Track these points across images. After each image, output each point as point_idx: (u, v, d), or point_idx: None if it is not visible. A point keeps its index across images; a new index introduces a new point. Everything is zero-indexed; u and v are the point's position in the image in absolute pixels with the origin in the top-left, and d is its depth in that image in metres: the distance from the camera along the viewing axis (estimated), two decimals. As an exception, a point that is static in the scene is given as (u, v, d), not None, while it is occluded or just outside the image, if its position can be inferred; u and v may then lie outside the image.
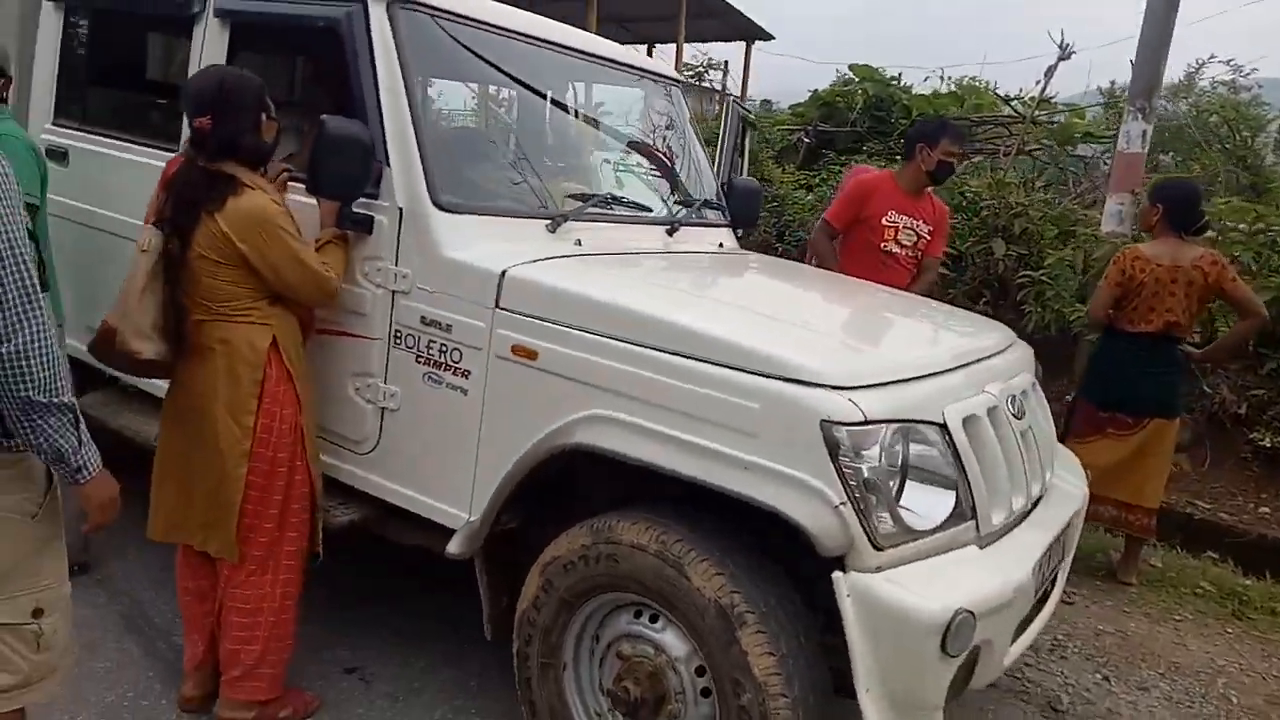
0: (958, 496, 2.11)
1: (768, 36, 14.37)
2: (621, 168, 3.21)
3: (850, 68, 10.64)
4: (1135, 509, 3.99)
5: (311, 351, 2.72)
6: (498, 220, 2.65)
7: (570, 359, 2.26)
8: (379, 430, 2.66)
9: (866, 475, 1.92)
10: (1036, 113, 8.83)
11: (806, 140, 10.20)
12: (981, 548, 2.16)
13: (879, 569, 1.93)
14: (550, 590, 2.26)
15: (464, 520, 2.45)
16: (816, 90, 10.83)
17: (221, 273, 2.31)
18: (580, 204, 2.86)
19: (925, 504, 2.05)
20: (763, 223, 8.38)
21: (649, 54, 15.00)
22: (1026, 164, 9.09)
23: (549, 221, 2.72)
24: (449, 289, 2.47)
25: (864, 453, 1.93)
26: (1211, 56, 12.74)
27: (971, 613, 1.90)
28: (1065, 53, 8.22)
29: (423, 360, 2.54)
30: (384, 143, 2.51)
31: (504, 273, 2.38)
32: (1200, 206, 3.93)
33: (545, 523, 2.42)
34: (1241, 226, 5.68)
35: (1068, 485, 2.78)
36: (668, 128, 3.75)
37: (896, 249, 4.10)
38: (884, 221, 4.08)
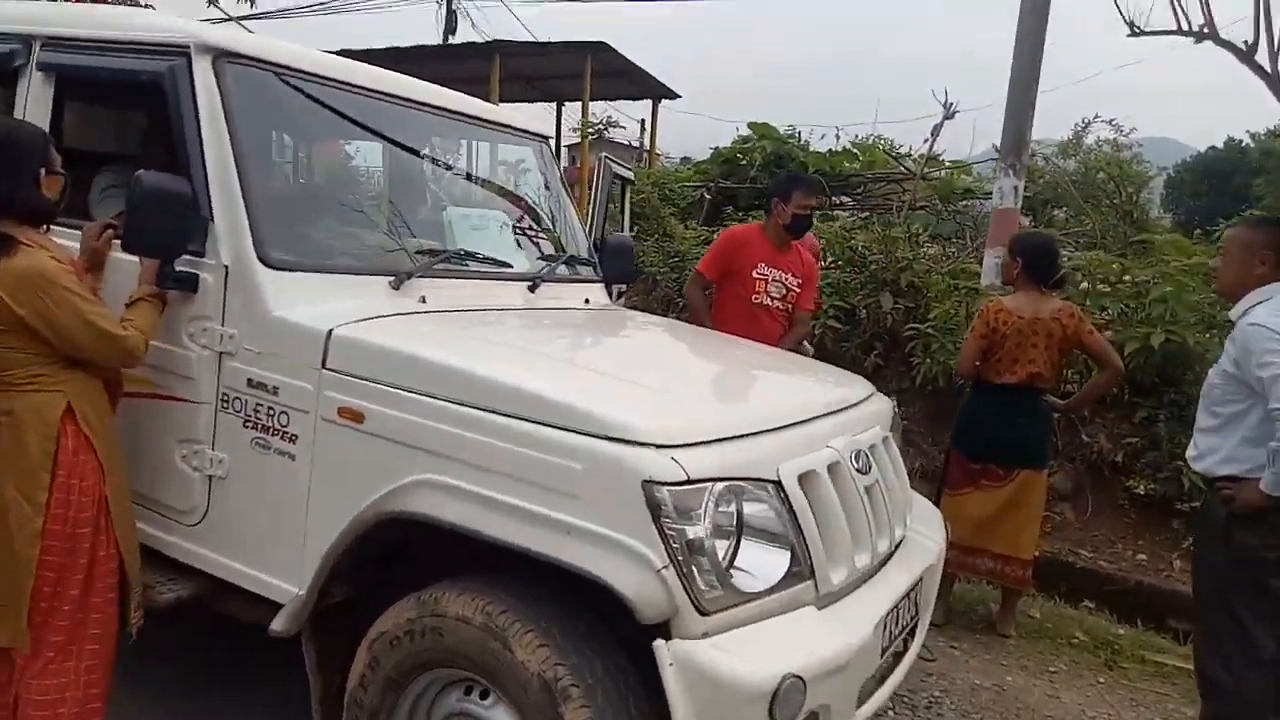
0: (793, 556, 2.06)
1: (674, 95, 14.65)
2: (479, 224, 3.15)
3: (750, 125, 10.90)
4: (1011, 560, 4.01)
5: (133, 416, 2.57)
6: (334, 278, 2.54)
7: (397, 421, 2.16)
8: (207, 500, 2.50)
9: (691, 537, 1.85)
10: (925, 170, 9.15)
11: (709, 196, 10.38)
12: (820, 608, 2.11)
13: (705, 634, 1.86)
14: (377, 668, 2.13)
15: (294, 595, 2.30)
16: (718, 147, 11.07)
17: (2, 340, 2.15)
18: (428, 260, 2.78)
19: (758, 565, 2.00)
20: (664, 278, 8.44)
21: (558, 112, 15.14)
22: (926, 219, 9.39)
23: (392, 279, 2.64)
24: (275, 350, 2.36)
25: (689, 514, 1.87)
26: (1096, 116, 13.42)
27: (800, 678, 1.84)
28: (949, 111, 8.55)
29: (250, 425, 2.41)
30: (208, 198, 2.41)
31: (330, 332, 2.28)
32: (1057, 259, 4.05)
33: (388, 596, 2.29)
34: (1110, 279, 5.92)
35: (923, 539, 2.77)
36: (538, 184, 3.74)
37: (768, 301, 4.14)
38: (754, 274, 4.13)
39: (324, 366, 2.28)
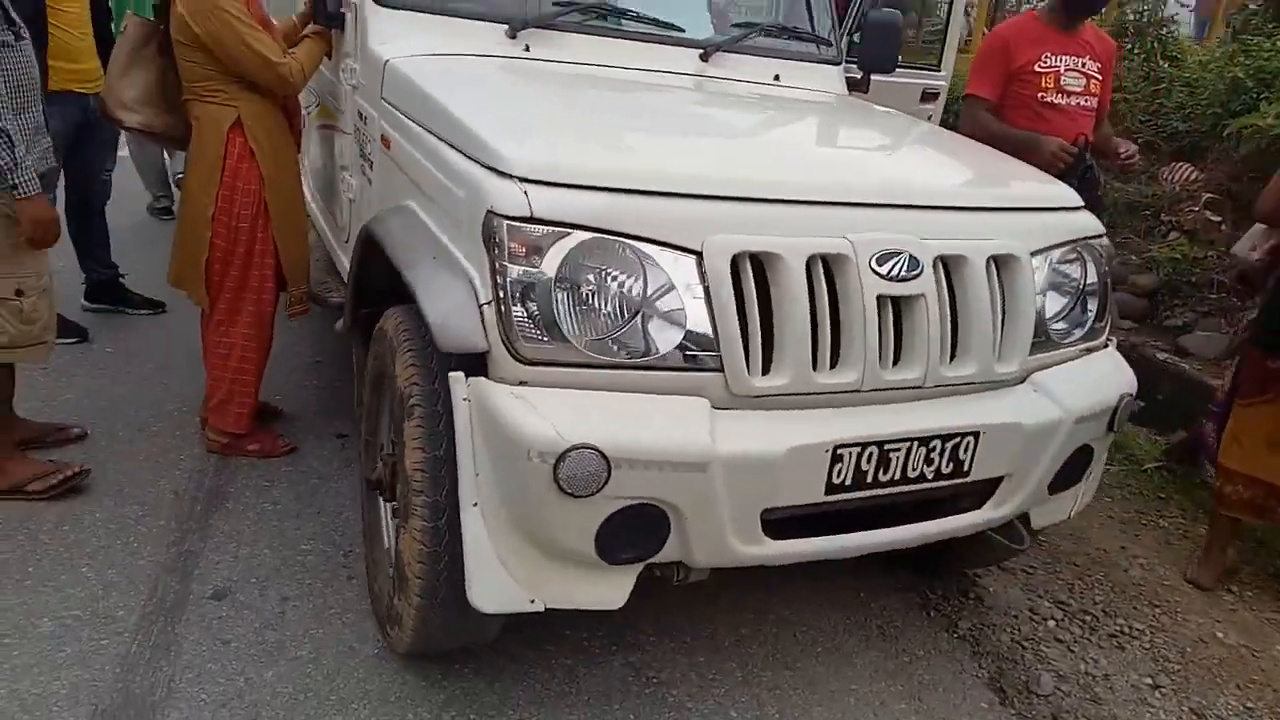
0: (692, 339, 1.77)
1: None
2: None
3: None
4: None
5: (329, 146, 3.03)
6: (446, 20, 2.65)
7: (401, 148, 2.27)
8: (350, 220, 2.91)
9: (518, 277, 1.69)
10: None
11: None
12: (724, 407, 1.80)
13: (523, 383, 1.72)
14: (365, 371, 2.36)
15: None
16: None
17: (189, 54, 2.66)
18: (555, 10, 2.73)
19: (641, 335, 1.76)
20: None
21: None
22: None
23: (506, 26, 2.66)
24: (368, 81, 2.59)
25: (528, 254, 1.70)
26: None
27: (599, 451, 1.63)
28: None
29: (362, 153, 2.71)
30: (348, -59, 2.66)
31: (386, 62, 2.43)
32: None
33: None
34: None
35: (1032, 396, 2.12)
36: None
37: (1060, 99, 3.27)
38: (1038, 67, 3.26)
39: (381, 95, 2.45)
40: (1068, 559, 3.06)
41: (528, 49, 2.64)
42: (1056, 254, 2.22)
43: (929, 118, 4.18)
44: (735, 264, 1.79)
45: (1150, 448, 3.92)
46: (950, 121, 5.18)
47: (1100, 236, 2.35)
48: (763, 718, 2.19)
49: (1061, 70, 3.26)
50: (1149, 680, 2.53)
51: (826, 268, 1.87)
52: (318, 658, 2.19)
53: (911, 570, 2.85)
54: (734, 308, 1.77)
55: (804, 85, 3.08)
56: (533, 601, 1.81)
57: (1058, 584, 2.92)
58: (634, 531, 1.76)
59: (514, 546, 1.78)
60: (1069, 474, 2.27)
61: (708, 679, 2.28)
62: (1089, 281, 2.30)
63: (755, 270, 1.81)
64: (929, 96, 4.39)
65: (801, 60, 3.14)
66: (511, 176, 1.74)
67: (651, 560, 1.84)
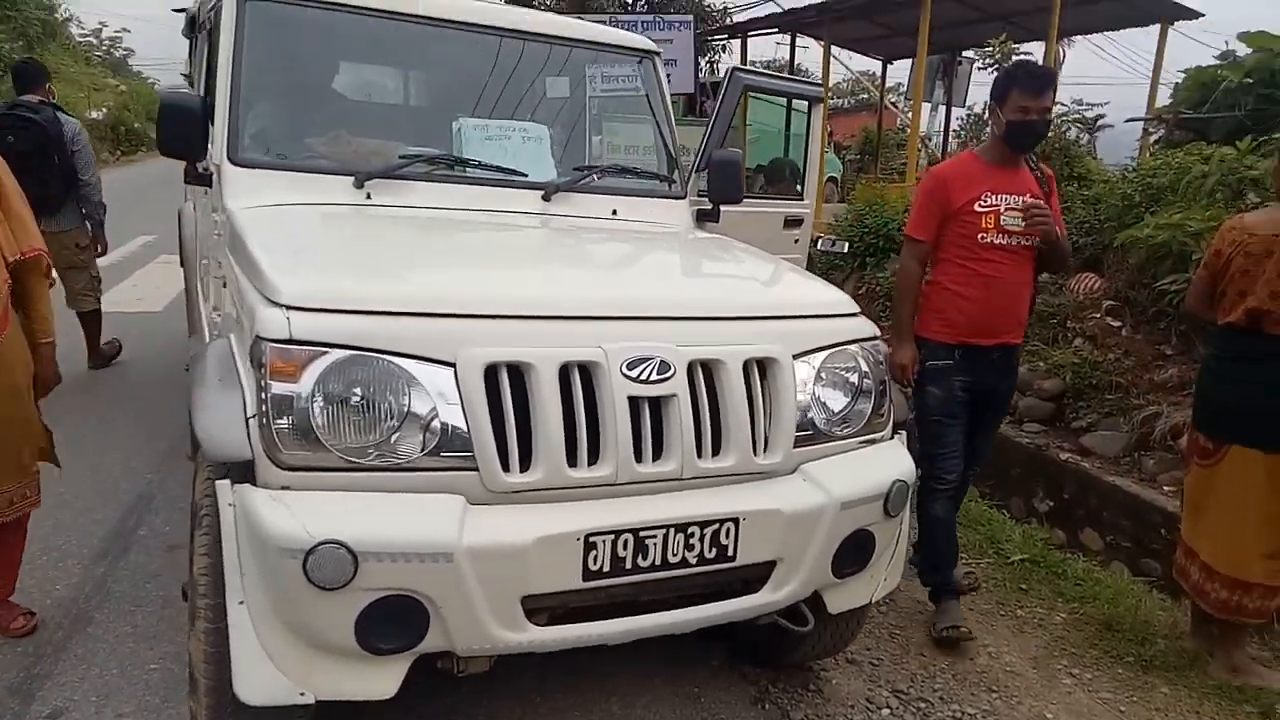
0: (438, 443, 1.97)
1: (1192, 14, 12.03)
2: (496, 135, 3.28)
3: (1240, 37, 8.58)
4: (1213, 575, 2.99)
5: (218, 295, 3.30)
6: (299, 175, 2.96)
7: (234, 286, 2.52)
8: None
9: (278, 393, 1.90)
10: None
11: (1165, 129, 8.50)
12: (480, 503, 1.98)
13: (285, 488, 1.91)
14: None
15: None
16: (1198, 67, 8.93)
17: None
18: (400, 163, 3.05)
19: (394, 442, 1.96)
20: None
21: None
22: None
23: (353, 178, 2.98)
24: (224, 233, 2.88)
25: (287, 372, 1.92)
26: None
27: (345, 546, 1.81)
28: None
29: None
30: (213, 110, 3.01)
31: (230, 211, 2.72)
32: None
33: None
34: None
35: (795, 489, 2.29)
36: (630, 100, 3.74)
37: (1000, 239, 3.17)
38: (977, 207, 3.17)
39: (227, 244, 2.74)
40: (916, 650, 3.15)
41: (369, 197, 2.95)
42: (822, 356, 2.44)
43: (795, 241, 4.47)
44: (492, 374, 2.01)
45: (1023, 542, 4.03)
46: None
47: (874, 339, 2.58)
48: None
49: (1001, 210, 3.16)
50: (968, 760, 2.59)
51: (586, 374, 2.09)
52: (135, 765, 2.30)
53: (756, 666, 2.95)
54: (486, 413, 1.98)
55: (642, 218, 3.38)
56: (302, 694, 1.94)
57: (900, 674, 3.00)
58: (393, 622, 1.91)
59: (282, 641, 1.92)
60: (852, 558, 2.42)
61: (514, 769, 2.37)
62: (863, 379, 2.51)
63: (515, 378, 2.04)
64: (792, 223, 4.70)
65: (644, 196, 3.46)
66: (279, 304, 1.99)
67: (418, 650, 1.98)
